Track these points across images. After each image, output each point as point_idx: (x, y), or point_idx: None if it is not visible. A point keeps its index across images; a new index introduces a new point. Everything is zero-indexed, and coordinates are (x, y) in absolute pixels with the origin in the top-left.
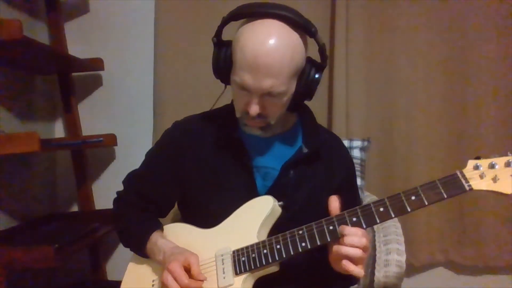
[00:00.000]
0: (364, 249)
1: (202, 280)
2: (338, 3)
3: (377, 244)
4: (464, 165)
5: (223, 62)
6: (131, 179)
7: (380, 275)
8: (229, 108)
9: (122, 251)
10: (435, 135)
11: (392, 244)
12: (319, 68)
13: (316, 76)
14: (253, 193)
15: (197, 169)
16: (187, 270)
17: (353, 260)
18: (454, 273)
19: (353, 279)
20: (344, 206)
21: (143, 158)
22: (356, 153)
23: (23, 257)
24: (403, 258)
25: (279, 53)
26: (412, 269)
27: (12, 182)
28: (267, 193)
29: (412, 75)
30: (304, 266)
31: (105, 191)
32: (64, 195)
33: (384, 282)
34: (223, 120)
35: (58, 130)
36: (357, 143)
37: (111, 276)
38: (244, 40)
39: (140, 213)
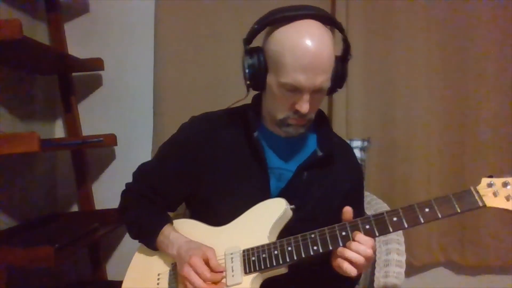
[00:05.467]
0: (367, 258)
1: (222, 272)
2: (338, 3)
3: (377, 244)
4: (464, 165)
5: (258, 69)
6: (142, 171)
7: (380, 275)
8: (249, 109)
9: (122, 251)
10: (435, 135)
11: (392, 244)
12: (344, 59)
13: (344, 67)
14: (266, 194)
15: (212, 166)
16: (205, 263)
17: (354, 265)
18: (454, 273)
19: (350, 281)
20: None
21: (143, 158)
22: (356, 153)
23: (23, 257)
24: (403, 258)
25: (326, 49)
26: (412, 269)
27: (12, 182)
28: (280, 194)
29: (412, 75)
30: (310, 268)
31: (105, 191)
32: (64, 195)
33: (384, 282)
34: (242, 119)
35: (58, 130)
36: (357, 143)
37: (111, 276)
38: (292, 42)
39: (150, 205)
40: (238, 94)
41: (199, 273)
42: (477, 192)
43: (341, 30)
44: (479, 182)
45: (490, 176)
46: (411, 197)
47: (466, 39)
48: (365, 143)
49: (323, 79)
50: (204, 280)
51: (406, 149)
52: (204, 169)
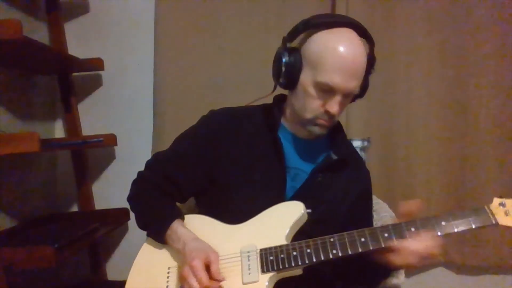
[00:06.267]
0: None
1: (220, 281)
2: (338, 3)
3: None
4: (464, 165)
5: (294, 68)
6: (158, 160)
7: None
8: (269, 108)
9: (122, 251)
10: (435, 134)
11: None
12: (368, 72)
13: (367, 80)
14: (282, 193)
15: (230, 160)
16: (207, 267)
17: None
18: (454, 273)
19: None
20: (356, 220)
21: (143, 158)
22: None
23: (23, 257)
24: None
25: (363, 57)
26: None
27: (12, 182)
28: (295, 194)
29: (412, 75)
30: (324, 270)
31: (105, 191)
32: (64, 195)
33: (384, 282)
34: (262, 117)
35: (58, 130)
36: (357, 143)
37: (111, 276)
38: (335, 45)
39: (162, 197)
40: (238, 94)
41: (197, 277)
42: (490, 210)
43: (372, 44)
44: (489, 200)
45: (501, 196)
46: (411, 197)
47: (467, 39)
48: (365, 143)
49: (355, 84)
50: (201, 285)
51: (406, 149)
52: (221, 163)
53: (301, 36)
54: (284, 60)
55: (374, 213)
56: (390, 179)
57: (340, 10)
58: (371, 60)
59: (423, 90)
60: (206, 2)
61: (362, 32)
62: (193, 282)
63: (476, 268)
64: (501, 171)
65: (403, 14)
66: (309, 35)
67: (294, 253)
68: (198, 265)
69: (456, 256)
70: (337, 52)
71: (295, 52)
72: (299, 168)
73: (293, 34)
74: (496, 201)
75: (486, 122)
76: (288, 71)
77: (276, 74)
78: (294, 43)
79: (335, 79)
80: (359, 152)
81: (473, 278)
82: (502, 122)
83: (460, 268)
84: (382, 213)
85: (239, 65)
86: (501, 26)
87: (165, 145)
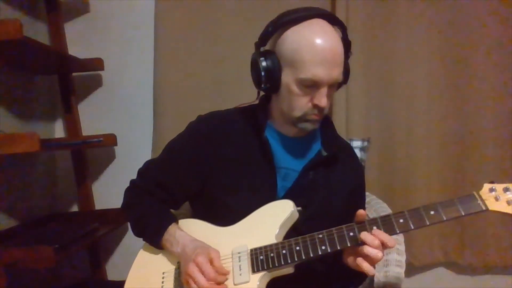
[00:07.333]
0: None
1: (226, 274)
2: (338, 3)
3: None
4: (464, 165)
5: (274, 71)
6: (150, 167)
7: (380, 275)
8: (256, 109)
9: (122, 251)
10: (435, 135)
11: None
12: (346, 56)
13: (348, 64)
14: (273, 193)
15: (220, 164)
16: (210, 263)
17: (368, 259)
18: (454, 273)
19: (362, 277)
20: (349, 215)
21: (143, 158)
22: (356, 153)
23: (23, 257)
24: (403, 258)
25: (339, 44)
26: (412, 269)
27: (12, 182)
28: (287, 193)
29: (412, 75)
30: (318, 269)
31: (105, 191)
32: (64, 195)
33: (384, 282)
34: (250, 119)
35: (58, 130)
36: (357, 143)
37: (111, 276)
38: (309, 39)
39: (156, 203)
40: (238, 94)
41: (204, 272)
42: (480, 196)
43: (344, 28)
44: (480, 186)
45: (492, 182)
46: (411, 197)
47: (467, 40)
48: (365, 143)
49: (339, 72)
50: (208, 280)
51: (406, 149)
52: (212, 167)
53: (273, 37)
54: (261, 65)
55: (374, 213)
56: (390, 179)
57: (340, 10)
58: (346, 44)
59: (423, 90)
60: (206, 2)
61: (332, 19)
62: (199, 277)
63: (476, 268)
64: (502, 171)
65: (403, 14)
66: (281, 35)
67: (284, 251)
68: (203, 260)
69: (456, 256)
70: (313, 45)
71: (271, 54)
72: (288, 167)
73: (264, 37)
74: (486, 186)
75: (487, 122)
76: (268, 75)
77: (257, 80)
78: (267, 46)
79: (317, 72)
80: (359, 152)
81: (473, 278)
82: (503, 121)
83: (460, 268)
84: (382, 213)
85: (239, 65)
86: (501, 27)
87: (165, 145)
